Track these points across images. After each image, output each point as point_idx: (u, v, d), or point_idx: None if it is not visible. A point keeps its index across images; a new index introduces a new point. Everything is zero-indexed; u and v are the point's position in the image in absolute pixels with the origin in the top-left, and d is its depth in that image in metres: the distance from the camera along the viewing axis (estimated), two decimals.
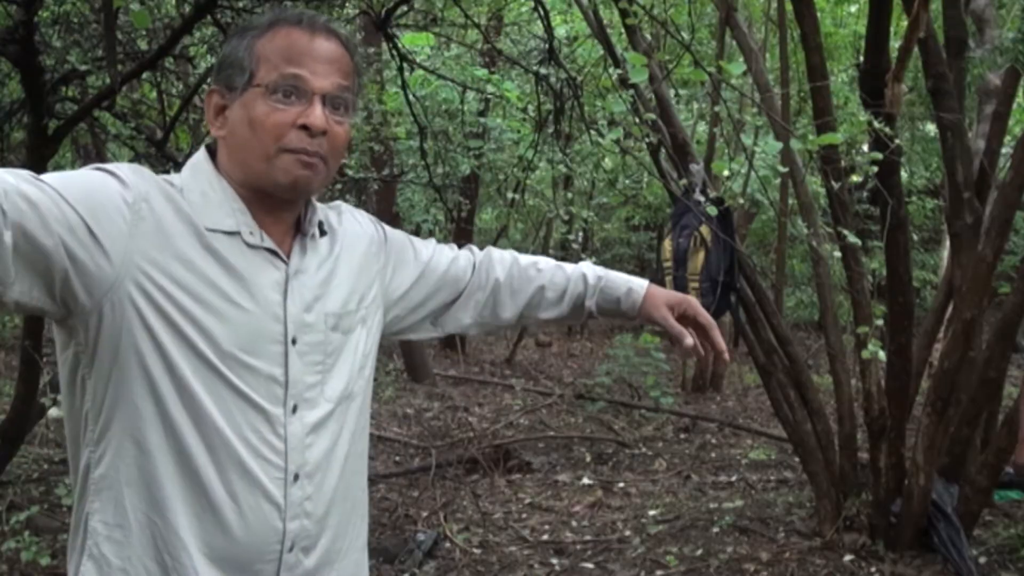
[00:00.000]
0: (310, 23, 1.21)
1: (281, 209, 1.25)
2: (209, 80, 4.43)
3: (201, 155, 1.26)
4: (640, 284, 1.55)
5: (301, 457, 1.21)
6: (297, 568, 1.22)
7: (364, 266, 1.36)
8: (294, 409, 1.21)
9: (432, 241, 1.54)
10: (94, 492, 1.17)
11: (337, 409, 1.26)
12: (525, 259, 1.59)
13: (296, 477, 1.20)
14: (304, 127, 1.18)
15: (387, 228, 1.46)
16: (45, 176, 1.07)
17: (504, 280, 1.55)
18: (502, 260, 1.57)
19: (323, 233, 1.31)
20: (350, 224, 1.38)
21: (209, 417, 1.15)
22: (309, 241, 1.28)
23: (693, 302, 1.51)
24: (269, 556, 1.19)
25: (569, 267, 1.59)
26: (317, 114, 1.18)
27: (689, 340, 1.46)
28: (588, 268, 1.58)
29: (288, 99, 1.18)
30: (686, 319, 1.49)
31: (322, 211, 1.34)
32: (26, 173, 1.05)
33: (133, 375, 1.13)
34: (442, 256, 1.51)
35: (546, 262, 1.59)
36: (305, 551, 1.23)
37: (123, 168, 1.16)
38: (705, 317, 1.48)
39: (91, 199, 1.08)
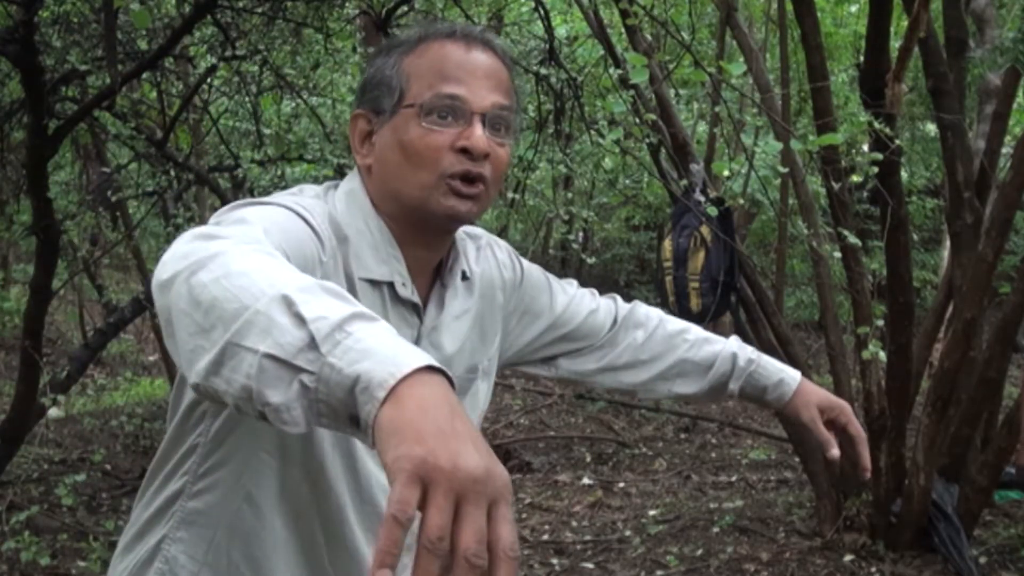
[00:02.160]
0: (464, 35, 1.10)
1: (432, 250, 1.14)
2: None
3: (357, 183, 1.13)
4: (792, 377, 1.40)
5: (411, 532, 1.16)
6: None
7: (493, 312, 1.25)
8: None
9: (573, 285, 1.40)
10: (181, 521, 1.11)
11: None
12: (673, 325, 1.44)
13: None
14: (464, 150, 1.06)
15: (525, 266, 1.33)
16: (258, 219, 0.96)
17: (643, 343, 1.40)
18: (647, 321, 1.42)
19: (464, 278, 1.20)
20: (488, 263, 1.25)
21: (332, 490, 1.08)
22: (447, 291, 1.17)
23: (847, 409, 1.37)
24: None
25: (718, 342, 1.43)
26: (478, 135, 1.06)
27: (836, 451, 1.33)
28: (739, 347, 1.43)
29: (445, 120, 1.07)
30: (834, 425, 1.37)
31: (461, 248, 1.21)
32: (262, 233, 0.93)
33: (267, 434, 1.05)
34: (580, 307, 1.37)
35: (695, 332, 1.44)
36: None
37: (316, 214, 1.05)
38: (856, 428, 1.36)
39: (299, 257, 0.97)
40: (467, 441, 0.67)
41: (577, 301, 1.37)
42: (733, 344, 1.43)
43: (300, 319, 0.73)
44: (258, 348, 0.73)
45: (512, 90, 1.13)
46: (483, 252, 1.26)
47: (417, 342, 1.11)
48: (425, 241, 1.13)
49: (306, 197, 1.09)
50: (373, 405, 0.69)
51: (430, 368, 0.71)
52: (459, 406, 0.71)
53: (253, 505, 1.08)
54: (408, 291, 1.11)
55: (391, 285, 1.10)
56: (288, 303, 0.74)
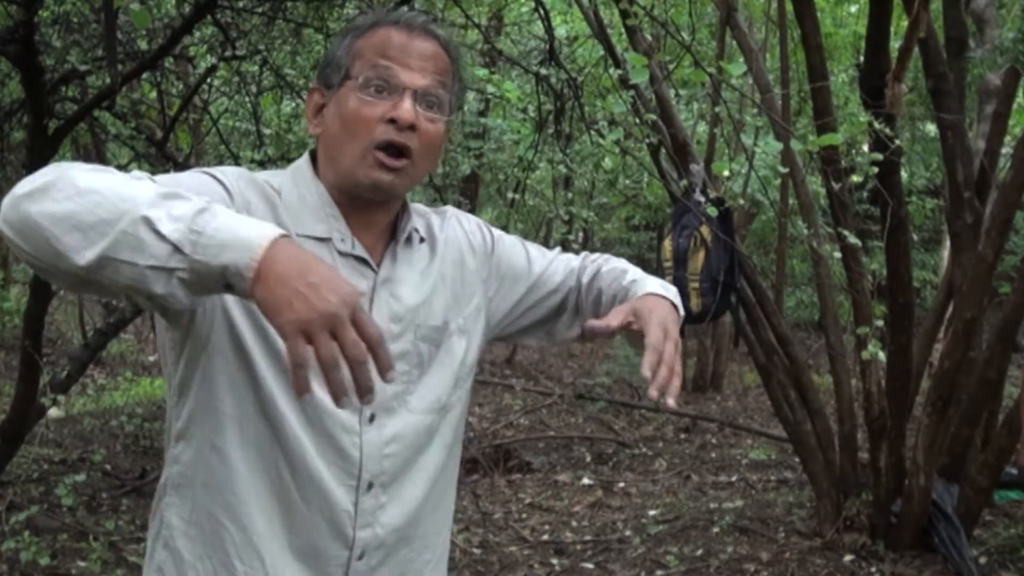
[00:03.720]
0: (408, 22, 1.21)
1: (372, 212, 1.23)
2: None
3: (303, 159, 1.26)
4: (644, 288, 1.31)
5: (378, 466, 1.20)
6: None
7: (464, 276, 1.32)
8: (371, 418, 1.19)
9: (555, 251, 1.44)
10: (173, 487, 1.20)
11: (428, 420, 1.24)
12: (610, 263, 1.41)
13: (370, 486, 1.19)
14: (392, 120, 1.16)
15: (496, 234, 1.40)
16: (160, 178, 1.09)
17: (586, 284, 1.40)
18: (594, 263, 1.43)
19: (421, 240, 1.28)
20: (454, 231, 1.34)
21: (286, 422, 1.15)
22: (402, 249, 1.25)
23: (652, 318, 1.19)
24: (337, 561, 1.19)
25: (636, 273, 1.38)
26: (405, 107, 1.16)
27: (592, 322, 1.22)
28: (638, 276, 1.37)
29: (379, 94, 1.17)
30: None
31: (422, 217, 1.32)
32: (142, 175, 1.06)
33: (218, 379, 1.15)
34: (559, 264, 1.41)
35: (615, 263, 1.41)
36: (380, 561, 1.22)
37: (229, 173, 1.18)
38: (654, 337, 1.17)
39: None
40: (318, 288, 0.92)
41: (558, 261, 1.42)
42: (636, 273, 1.39)
43: (161, 235, 0.94)
44: (136, 262, 0.94)
45: (451, 74, 1.23)
46: (448, 222, 1.35)
47: (374, 291, 1.22)
48: (363, 205, 1.22)
49: (238, 169, 1.22)
50: (245, 284, 0.94)
51: (274, 238, 0.94)
52: (304, 256, 0.95)
53: (219, 455, 1.16)
54: (348, 246, 1.20)
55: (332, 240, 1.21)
56: (148, 222, 0.94)
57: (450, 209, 1.38)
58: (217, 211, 0.96)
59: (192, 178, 1.14)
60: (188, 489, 1.18)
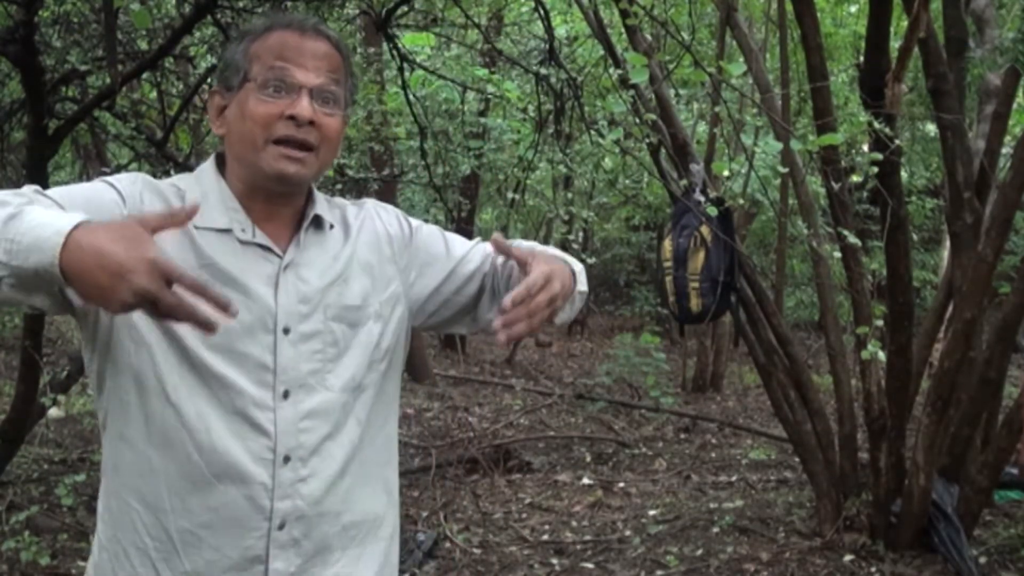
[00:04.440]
0: (300, 25, 1.29)
1: (278, 204, 1.30)
2: (210, 80, 4.44)
3: (209, 161, 1.34)
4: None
5: (294, 440, 1.25)
6: (293, 547, 1.25)
7: (381, 263, 1.37)
8: (285, 395, 1.25)
9: (474, 241, 1.46)
10: (103, 475, 1.29)
11: (343, 398, 1.29)
12: (535, 245, 1.41)
13: (287, 459, 1.24)
14: (291, 117, 1.24)
15: (415, 224, 1.45)
16: (51, 192, 1.16)
17: (500, 264, 1.40)
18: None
19: (331, 226, 1.35)
20: (369, 221, 1.40)
21: (190, 405, 1.21)
22: (308, 235, 1.31)
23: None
24: (256, 533, 1.23)
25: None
26: (303, 105, 1.24)
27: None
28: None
29: (277, 93, 1.25)
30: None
31: (338, 208, 1.38)
32: (31, 190, 1.13)
33: (123, 371, 1.22)
34: (477, 251, 1.43)
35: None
36: (304, 533, 1.26)
37: (123, 178, 1.26)
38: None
39: (88, 210, 1.13)
40: (120, 275, 0.96)
41: (479, 249, 1.44)
42: (548, 248, 1.44)
43: None
44: None
45: (344, 71, 1.31)
46: (364, 212, 1.41)
47: (278, 275, 1.28)
48: (267, 198, 1.30)
49: (138, 174, 1.31)
50: (61, 283, 1.00)
51: (68, 234, 0.98)
52: (98, 243, 0.97)
53: (128, 443, 1.24)
54: (249, 235, 1.27)
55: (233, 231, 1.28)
56: None
57: (369, 201, 1.44)
58: (26, 213, 1.02)
59: (85, 187, 1.22)
60: (106, 476, 1.27)
